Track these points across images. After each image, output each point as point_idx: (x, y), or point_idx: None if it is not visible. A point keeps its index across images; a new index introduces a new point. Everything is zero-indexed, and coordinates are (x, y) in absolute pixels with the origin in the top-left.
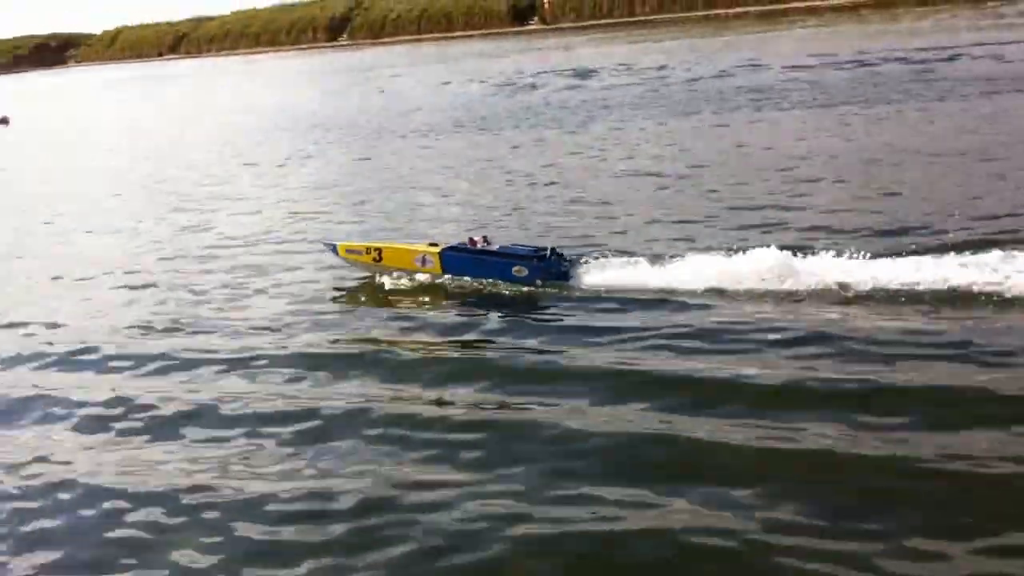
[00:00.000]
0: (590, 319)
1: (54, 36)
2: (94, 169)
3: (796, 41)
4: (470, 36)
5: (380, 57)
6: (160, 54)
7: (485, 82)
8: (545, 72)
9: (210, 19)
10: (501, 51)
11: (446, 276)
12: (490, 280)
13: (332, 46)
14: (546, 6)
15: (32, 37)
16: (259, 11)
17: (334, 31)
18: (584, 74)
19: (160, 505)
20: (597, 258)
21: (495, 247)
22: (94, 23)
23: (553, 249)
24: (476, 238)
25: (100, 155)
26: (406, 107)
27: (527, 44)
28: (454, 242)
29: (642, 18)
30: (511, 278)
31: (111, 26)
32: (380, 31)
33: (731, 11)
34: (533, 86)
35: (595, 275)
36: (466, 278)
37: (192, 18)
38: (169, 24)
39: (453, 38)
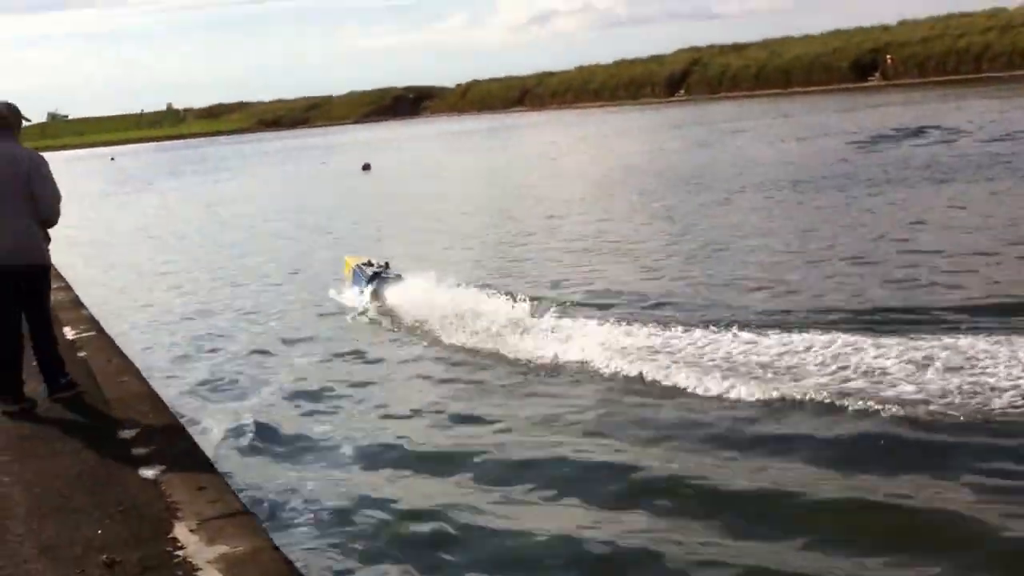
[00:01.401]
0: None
1: (412, 89)
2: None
3: None
4: (808, 92)
5: (718, 112)
6: (505, 107)
7: (826, 138)
8: (887, 129)
9: (553, 74)
10: (841, 107)
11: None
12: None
13: (668, 101)
14: (888, 62)
15: (392, 89)
16: (600, 67)
17: (671, 87)
18: (928, 132)
19: None
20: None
21: (382, 271)
22: (447, 77)
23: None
24: (376, 260)
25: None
26: (751, 162)
27: (868, 100)
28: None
29: (991, 74)
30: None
31: (463, 80)
32: (717, 86)
33: None
34: (873, 144)
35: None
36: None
37: (537, 73)
38: (517, 79)
39: (791, 94)
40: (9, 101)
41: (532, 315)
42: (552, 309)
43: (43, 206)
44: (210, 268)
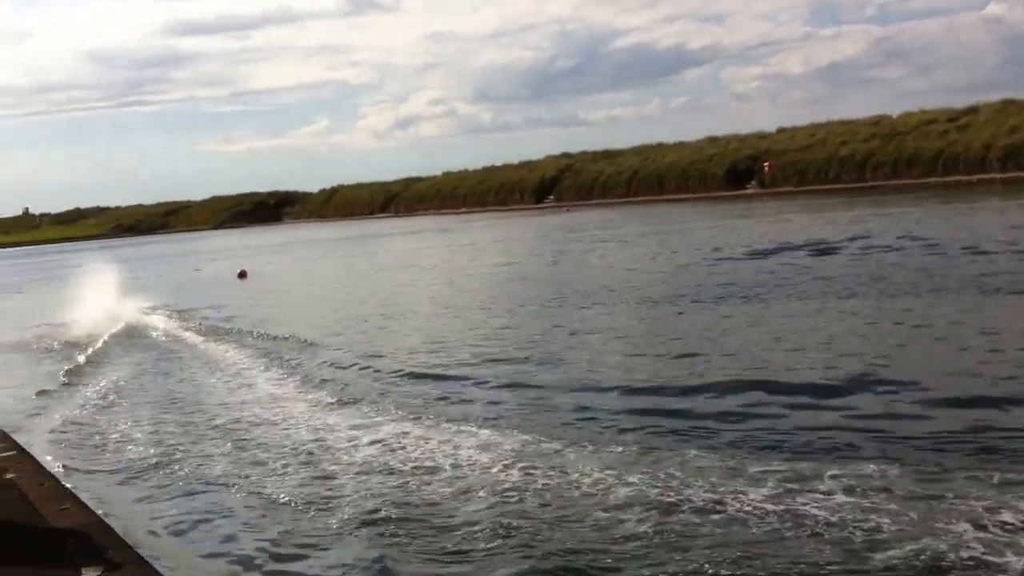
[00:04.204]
0: None
1: (273, 194)
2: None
3: None
4: (682, 199)
5: (588, 219)
6: (370, 212)
7: (693, 250)
8: (761, 242)
9: (420, 179)
10: (713, 215)
11: None
12: None
13: (538, 207)
14: (766, 169)
15: (254, 194)
16: (468, 172)
17: (541, 193)
18: (805, 246)
19: None
20: None
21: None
22: (310, 182)
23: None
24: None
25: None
26: (605, 274)
27: (744, 210)
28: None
29: (872, 184)
30: None
31: (327, 185)
32: (588, 193)
33: (973, 178)
34: (743, 257)
35: None
36: None
37: (403, 178)
38: (382, 184)
39: (664, 201)
40: None
41: None
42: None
43: None
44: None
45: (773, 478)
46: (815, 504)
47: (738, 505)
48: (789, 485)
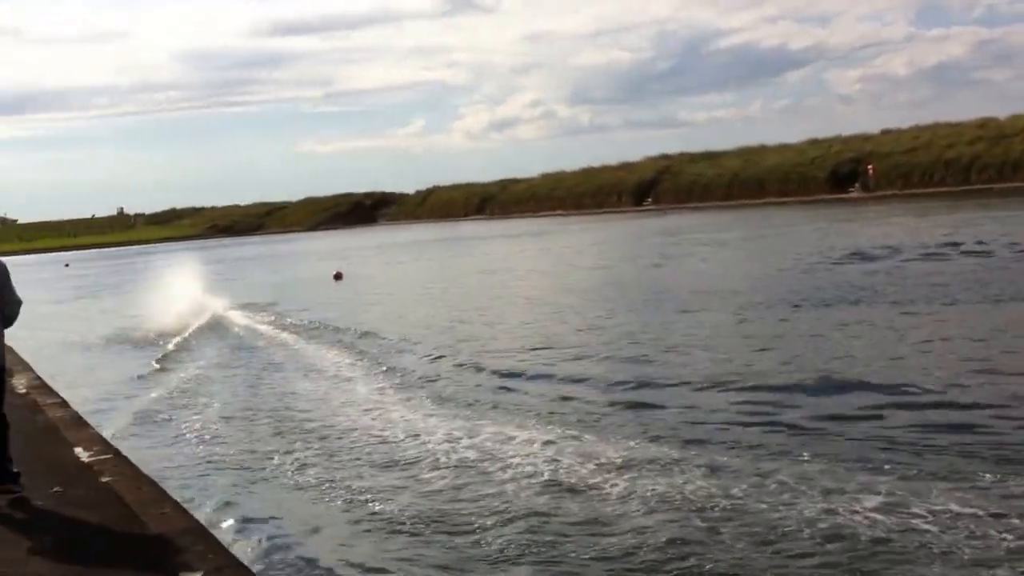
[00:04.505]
0: None
1: (369, 195)
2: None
3: None
4: (784, 203)
5: (687, 222)
6: (465, 214)
7: (799, 256)
8: (867, 246)
9: (517, 181)
10: (818, 220)
11: None
12: None
13: (637, 210)
14: (870, 172)
15: (350, 195)
16: (567, 174)
17: (639, 195)
18: (911, 251)
19: None
20: None
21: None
22: (406, 183)
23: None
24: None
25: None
26: (706, 278)
27: (848, 213)
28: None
29: (978, 187)
30: None
31: (422, 186)
32: (687, 196)
33: None
34: (848, 261)
35: None
36: None
37: (500, 180)
38: (480, 186)
39: (765, 204)
40: None
41: None
42: None
43: (10, 312)
44: None
45: (884, 487)
46: (928, 518)
47: (847, 516)
48: (900, 495)
